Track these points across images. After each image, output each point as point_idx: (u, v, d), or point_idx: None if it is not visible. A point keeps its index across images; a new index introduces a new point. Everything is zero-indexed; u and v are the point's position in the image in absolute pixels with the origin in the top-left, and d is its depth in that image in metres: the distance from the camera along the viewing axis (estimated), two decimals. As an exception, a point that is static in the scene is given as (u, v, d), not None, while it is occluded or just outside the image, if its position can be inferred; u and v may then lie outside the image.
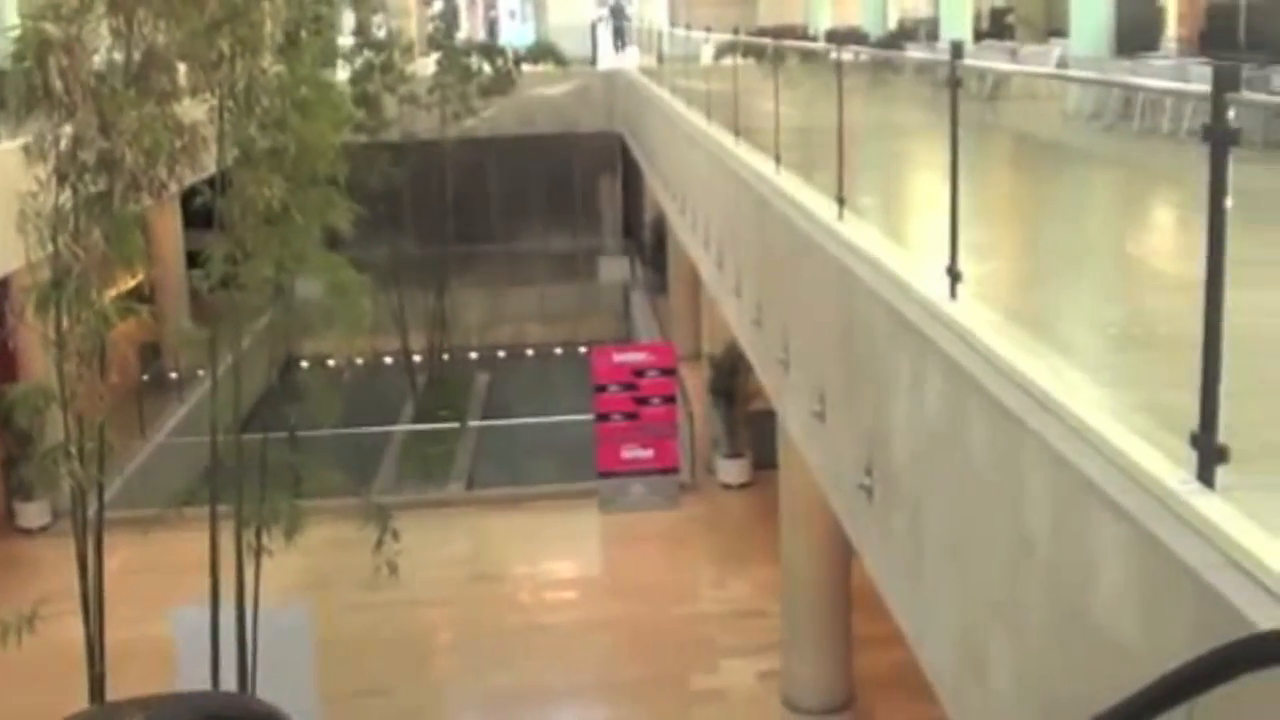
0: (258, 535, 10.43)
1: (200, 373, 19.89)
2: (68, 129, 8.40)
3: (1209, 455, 3.20)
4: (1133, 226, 8.34)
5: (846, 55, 8.66)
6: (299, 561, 12.56)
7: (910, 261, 6.20)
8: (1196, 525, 3.12)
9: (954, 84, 5.26)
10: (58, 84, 7.93)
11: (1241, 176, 3.10)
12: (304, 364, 23.05)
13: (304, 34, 10.45)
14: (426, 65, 28.06)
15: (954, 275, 5.21)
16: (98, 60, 8.66)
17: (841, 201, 7.58)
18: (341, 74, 24.90)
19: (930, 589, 5.29)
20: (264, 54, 9.28)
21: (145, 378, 22.78)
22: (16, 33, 8.34)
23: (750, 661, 13.96)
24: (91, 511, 9.46)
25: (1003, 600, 4.38)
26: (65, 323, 8.55)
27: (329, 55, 17.50)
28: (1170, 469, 3.34)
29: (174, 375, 22.85)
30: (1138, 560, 3.30)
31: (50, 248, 8.52)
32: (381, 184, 21.30)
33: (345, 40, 25.85)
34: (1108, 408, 3.91)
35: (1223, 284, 3.05)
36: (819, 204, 8.14)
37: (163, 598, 12.26)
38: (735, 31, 14.80)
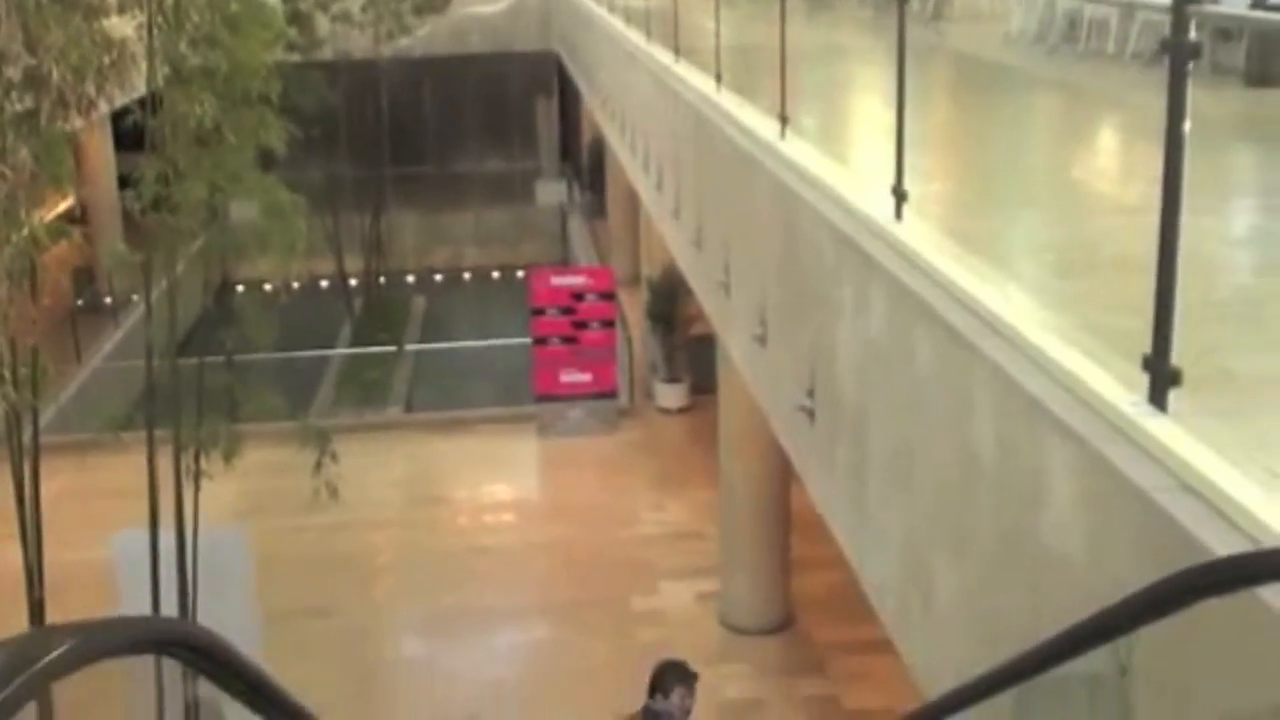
0: (196, 459, 10.34)
1: (135, 297, 19.65)
2: (-9, 45, 8.19)
3: (1161, 378, 3.18)
4: (1078, 149, 8.35)
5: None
6: (239, 485, 12.48)
7: (854, 182, 6.17)
8: (1148, 448, 3.12)
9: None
10: (-22, -3, 7.73)
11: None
12: (240, 287, 22.82)
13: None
14: (360, -18, 27.60)
15: (899, 195, 5.18)
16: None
17: (784, 120, 7.52)
18: (273, -9, 24.41)
19: (874, 510, 5.32)
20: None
21: (80, 302, 22.52)
22: (-67, -55, 8.10)
23: (689, 583, 14.06)
24: (27, 437, 9.34)
25: (948, 522, 4.41)
26: (-6, 245, 8.38)
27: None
28: (1121, 392, 3.33)
29: (109, 300, 22.58)
30: (1087, 483, 3.31)
31: (-23, 168, 8.32)
32: (315, 105, 20.97)
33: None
34: (1056, 329, 3.91)
35: (1179, 205, 3.02)
36: (761, 124, 8.08)
37: (102, 522, 12.15)
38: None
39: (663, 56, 12.46)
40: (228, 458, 10.45)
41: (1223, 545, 2.66)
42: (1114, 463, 3.15)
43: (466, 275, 31.74)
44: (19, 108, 8.32)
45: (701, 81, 10.30)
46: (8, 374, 8.58)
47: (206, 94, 9.30)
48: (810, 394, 6.17)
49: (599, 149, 27.02)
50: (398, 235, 30.67)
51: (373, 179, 29.01)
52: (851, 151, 8.20)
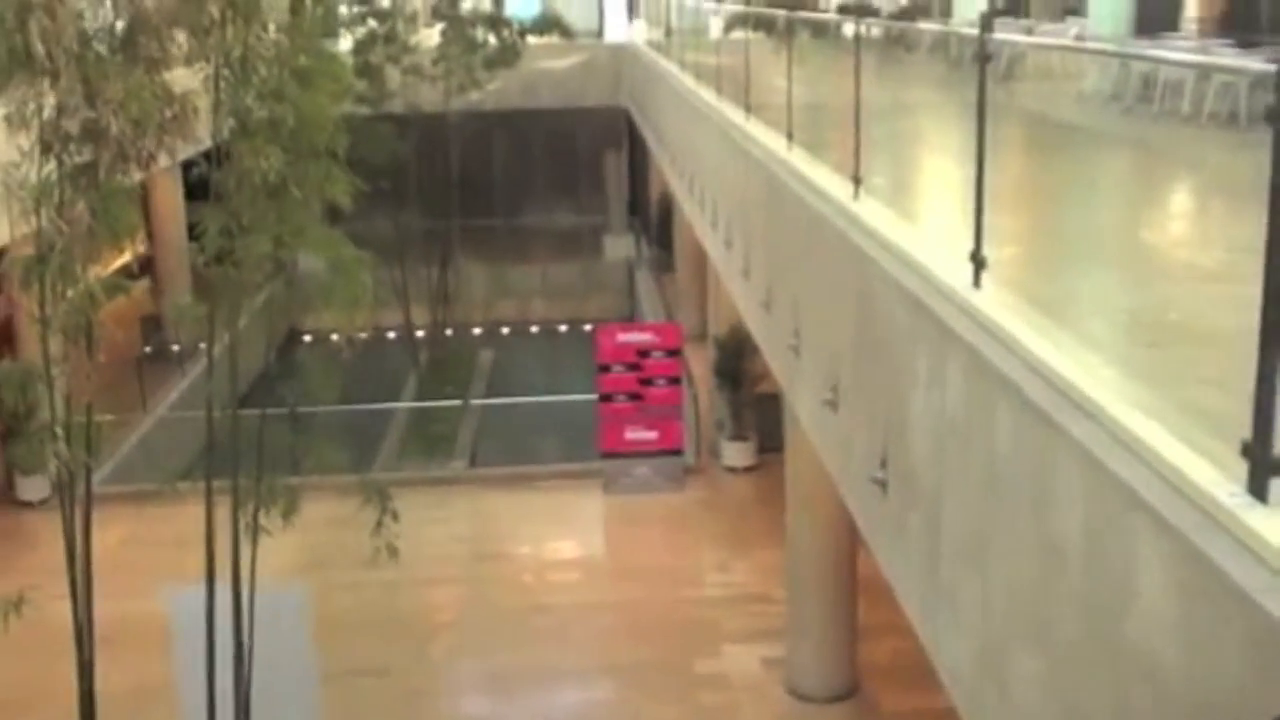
0: (254, 515, 10.18)
1: (202, 345, 19.70)
2: (51, 97, 8.09)
3: (1263, 466, 2.92)
4: (1156, 213, 8.06)
5: (869, 28, 8.37)
6: (297, 539, 12.30)
7: (930, 246, 5.92)
8: (1248, 542, 2.86)
9: (983, 59, 4.95)
10: (39, 48, 7.58)
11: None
12: (306, 338, 22.86)
13: (305, 1, 10.10)
14: (431, 36, 27.75)
15: (978, 262, 4.92)
16: (84, 24, 8.31)
17: (857, 181, 7.30)
18: (343, 44, 24.60)
19: (948, 591, 5.03)
20: (258, 20, 8.91)
21: (148, 349, 22.62)
22: (-5, -8, 8.03)
23: (754, 647, 13.77)
24: (80, 493, 9.19)
25: (1029, 610, 4.13)
26: (50, 299, 8.26)
27: (330, 24, 17.16)
28: (1217, 479, 3.06)
29: (175, 347, 22.68)
30: (1182, 578, 3.04)
31: (34, 221, 8.21)
32: (385, 157, 20.99)
33: (346, 9, 25.59)
34: (1144, 407, 3.64)
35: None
36: (833, 183, 7.87)
37: (160, 571, 12.11)
38: (746, 3, 14.47)
39: (733, 114, 12.28)
40: (286, 515, 10.29)
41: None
42: (1212, 558, 2.90)
43: (533, 329, 31.66)
44: (77, 160, 8.21)
45: (772, 139, 10.11)
46: (60, 431, 8.45)
47: (272, 147, 9.16)
48: (883, 464, 5.91)
49: (667, 204, 26.90)
50: (465, 288, 30.67)
51: (441, 231, 29.05)
52: (925, 213, 7.95)
